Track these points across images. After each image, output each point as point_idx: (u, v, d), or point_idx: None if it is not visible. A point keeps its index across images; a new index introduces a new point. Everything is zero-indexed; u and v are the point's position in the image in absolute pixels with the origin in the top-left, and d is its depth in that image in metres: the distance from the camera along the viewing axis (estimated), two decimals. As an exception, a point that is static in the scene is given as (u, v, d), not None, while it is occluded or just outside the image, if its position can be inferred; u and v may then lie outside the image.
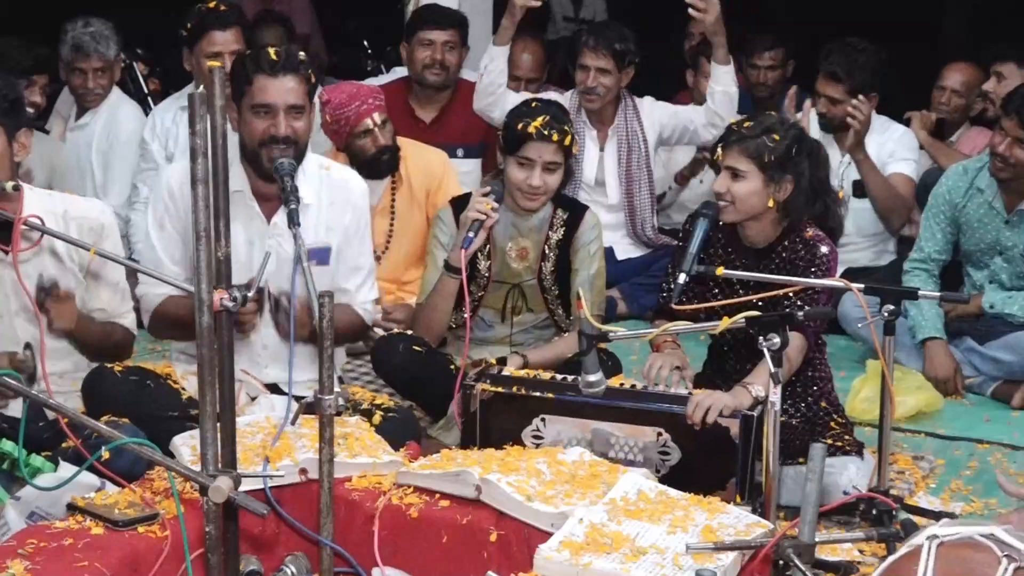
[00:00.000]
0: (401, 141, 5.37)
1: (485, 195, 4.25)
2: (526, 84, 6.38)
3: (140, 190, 5.74)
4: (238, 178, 3.82)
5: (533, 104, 4.43)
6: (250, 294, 2.86)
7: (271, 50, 3.86)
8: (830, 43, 5.80)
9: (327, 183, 4.03)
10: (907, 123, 6.08)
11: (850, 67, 5.64)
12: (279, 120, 3.82)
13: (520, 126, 4.26)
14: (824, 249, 3.87)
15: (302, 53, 3.95)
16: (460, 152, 5.62)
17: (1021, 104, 4.78)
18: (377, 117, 5.13)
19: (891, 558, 2.01)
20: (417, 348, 4.29)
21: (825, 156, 4.05)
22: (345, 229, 4.06)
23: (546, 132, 4.24)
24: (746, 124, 3.92)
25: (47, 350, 3.61)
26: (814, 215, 3.94)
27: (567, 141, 4.26)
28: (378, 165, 5.19)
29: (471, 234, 4.18)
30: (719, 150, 3.92)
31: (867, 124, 5.60)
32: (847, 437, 3.93)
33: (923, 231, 5.14)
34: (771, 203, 3.86)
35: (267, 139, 3.82)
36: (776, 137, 3.85)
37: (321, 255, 3.94)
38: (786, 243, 3.93)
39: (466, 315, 4.16)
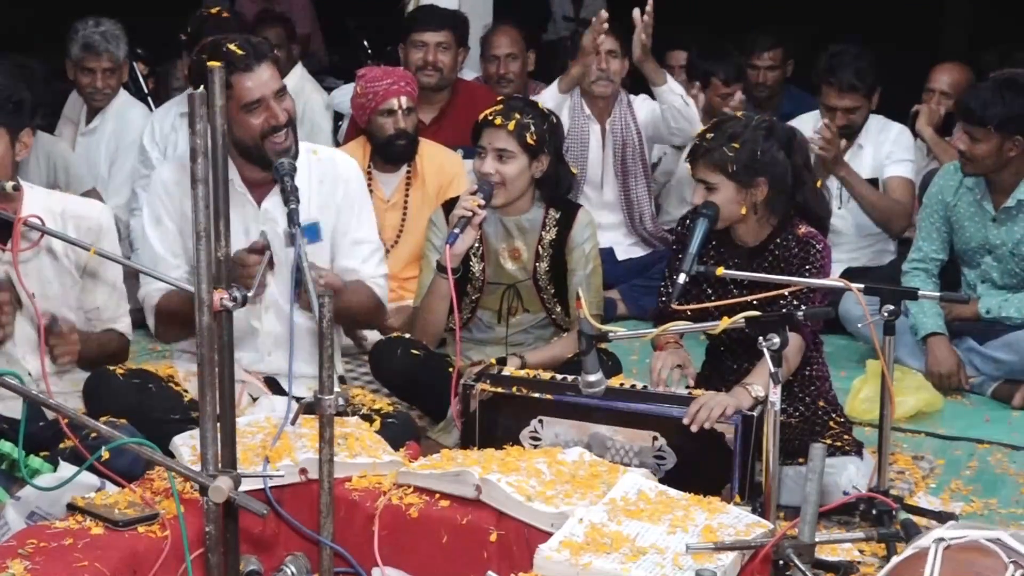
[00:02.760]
0: (419, 139, 5.40)
1: (473, 194, 4.26)
2: (505, 61, 6.58)
3: (140, 196, 5.73)
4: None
5: (500, 99, 4.49)
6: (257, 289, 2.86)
7: (233, 47, 3.84)
8: (827, 51, 5.79)
9: (315, 164, 4.06)
10: (915, 116, 6.07)
11: (859, 75, 5.66)
12: (273, 110, 3.85)
13: (479, 118, 4.34)
14: (818, 246, 3.85)
15: (252, 37, 4.00)
16: (459, 153, 5.62)
17: (966, 103, 4.85)
18: (404, 101, 5.23)
19: (896, 559, 2.01)
20: (415, 352, 4.28)
21: (802, 140, 4.02)
22: (338, 206, 4.08)
23: (491, 118, 4.28)
24: (708, 135, 3.87)
25: (45, 350, 3.62)
26: (798, 205, 3.92)
27: (518, 129, 4.24)
28: (393, 148, 5.25)
29: (456, 231, 4.19)
30: (688, 166, 3.91)
31: (835, 145, 5.59)
32: (846, 437, 3.92)
33: (920, 231, 5.15)
34: (743, 211, 3.84)
35: (267, 130, 3.86)
36: (736, 145, 3.80)
37: (311, 232, 3.93)
38: (778, 240, 3.91)
39: (455, 315, 4.15)
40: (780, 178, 3.84)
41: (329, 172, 4.08)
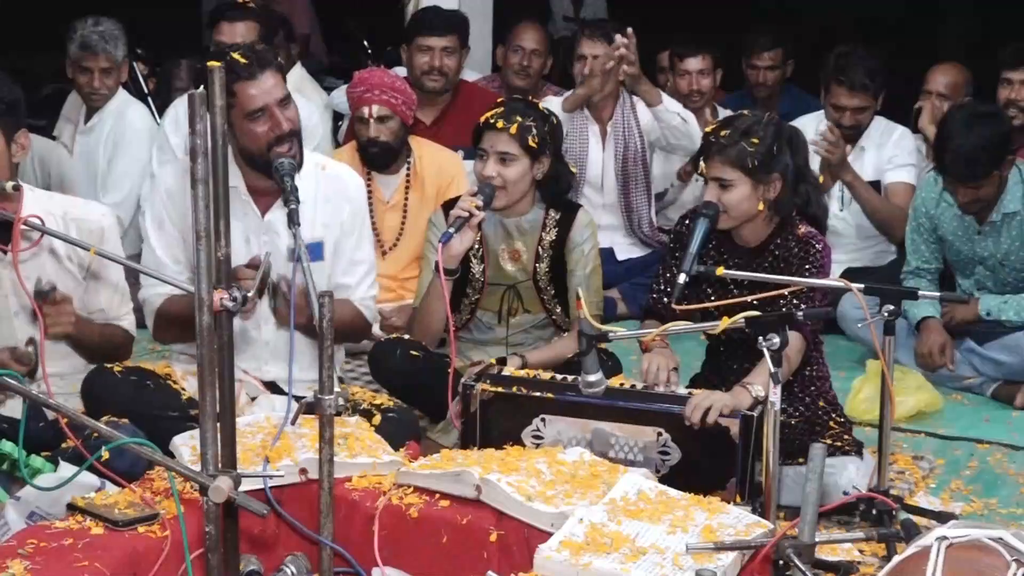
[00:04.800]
0: (418, 141, 5.43)
1: (473, 195, 4.26)
2: (530, 55, 6.60)
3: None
4: (232, 175, 3.83)
5: (500, 100, 4.49)
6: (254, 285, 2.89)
7: (237, 55, 3.83)
8: (834, 50, 5.77)
9: (323, 180, 4.05)
10: (917, 114, 6.05)
11: (870, 75, 5.64)
12: (277, 118, 3.84)
13: (480, 120, 4.32)
14: (818, 246, 3.85)
15: (257, 44, 4.01)
16: (460, 153, 5.62)
17: (960, 168, 4.75)
18: (375, 110, 5.20)
19: (898, 557, 2.01)
20: (414, 353, 4.28)
21: (803, 141, 4.01)
22: (342, 224, 4.08)
23: (493, 121, 4.27)
24: (723, 132, 3.84)
25: (46, 351, 3.61)
26: (798, 204, 3.92)
27: (520, 132, 4.23)
28: (366, 155, 5.24)
29: (451, 230, 4.18)
30: (702, 162, 3.87)
31: (841, 148, 5.59)
32: (846, 437, 3.92)
33: (908, 243, 5.14)
34: (761, 206, 3.84)
35: (272, 140, 3.85)
36: (755, 140, 3.80)
37: (314, 251, 3.94)
38: (779, 241, 3.91)
39: (448, 315, 4.15)
40: (791, 175, 3.85)
41: (336, 190, 4.07)
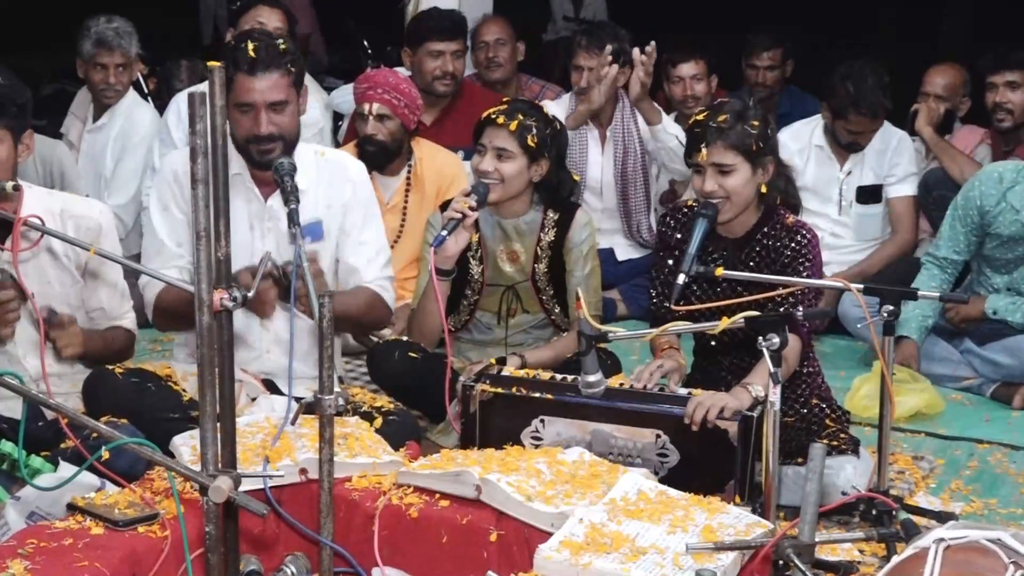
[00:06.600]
0: (418, 142, 5.43)
1: (467, 195, 4.26)
2: (494, 46, 6.64)
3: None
4: (236, 161, 3.86)
5: (505, 100, 4.50)
6: (253, 289, 2.89)
7: (250, 46, 3.83)
8: (838, 76, 5.58)
9: (323, 165, 4.08)
10: (914, 116, 6.03)
11: (884, 91, 5.58)
12: (260, 118, 3.84)
13: (482, 116, 4.34)
14: (808, 235, 3.83)
15: (282, 42, 3.93)
16: (460, 154, 5.62)
17: None
18: (375, 107, 5.19)
19: (896, 559, 2.02)
20: (413, 355, 4.28)
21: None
22: (345, 205, 4.09)
23: (494, 116, 4.28)
24: (720, 118, 3.79)
25: (46, 350, 3.61)
26: (779, 191, 3.90)
27: (519, 130, 4.24)
28: (363, 153, 5.20)
29: (444, 232, 4.17)
30: (703, 150, 3.78)
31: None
32: (843, 435, 3.91)
33: (947, 229, 5.00)
34: (764, 189, 3.83)
35: (251, 137, 3.86)
36: (755, 123, 3.79)
37: (314, 231, 3.94)
38: (765, 230, 3.89)
39: (442, 317, 4.14)
40: (777, 158, 3.84)
41: (337, 173, 4.09)
